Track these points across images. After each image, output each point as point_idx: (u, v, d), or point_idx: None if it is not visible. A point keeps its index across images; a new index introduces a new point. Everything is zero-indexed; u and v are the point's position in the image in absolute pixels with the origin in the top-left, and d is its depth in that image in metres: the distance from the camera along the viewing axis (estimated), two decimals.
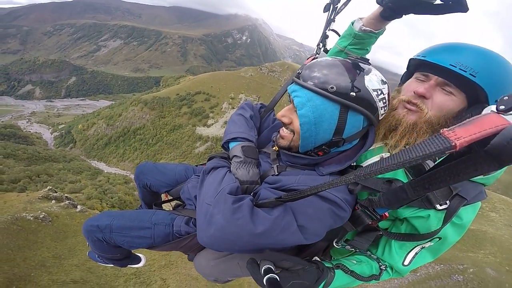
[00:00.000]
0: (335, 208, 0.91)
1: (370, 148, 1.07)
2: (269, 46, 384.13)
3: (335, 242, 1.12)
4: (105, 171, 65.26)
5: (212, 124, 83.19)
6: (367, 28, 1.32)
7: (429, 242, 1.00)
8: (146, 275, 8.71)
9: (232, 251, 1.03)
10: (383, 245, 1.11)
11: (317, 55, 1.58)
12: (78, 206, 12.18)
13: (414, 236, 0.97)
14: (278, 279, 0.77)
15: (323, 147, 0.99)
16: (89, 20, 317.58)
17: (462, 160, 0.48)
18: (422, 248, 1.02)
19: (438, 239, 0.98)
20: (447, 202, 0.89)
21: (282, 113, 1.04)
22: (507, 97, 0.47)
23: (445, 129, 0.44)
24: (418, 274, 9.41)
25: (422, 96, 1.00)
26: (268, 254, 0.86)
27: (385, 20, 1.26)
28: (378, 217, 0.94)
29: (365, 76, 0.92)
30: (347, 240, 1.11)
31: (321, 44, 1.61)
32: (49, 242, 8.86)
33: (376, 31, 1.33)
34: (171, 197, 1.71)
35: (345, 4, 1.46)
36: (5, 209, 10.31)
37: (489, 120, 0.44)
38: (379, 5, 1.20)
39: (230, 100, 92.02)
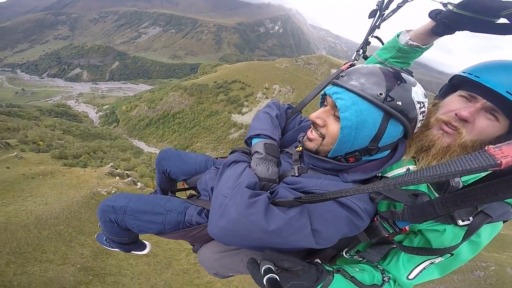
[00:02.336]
0: (354, 216, 0.89)
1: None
2: (303, 36, 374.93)
3: (345, 252, 1.09)
4: (145, 150, 70.33)
5: (247, 112, 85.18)
6: (414, 43, 1.23)
7: (440, 258, 0.95)
8: None
9: (240, 246, 1.01)
10: (391, 256, 1.08)
11: (355, 61, 1.53)
12: (138, 183, 12.95)
13: (428, 250, 0.94)
14: (278, 279, 0.76)
15: (356, 153, 0.97)
16: (131, 8, 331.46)
17: (504, 180, 0.46)
18: (432, 263, 0.98)
19: (450, 255, 0.94)
20: (470, 218, 0.85)
21: (317, 114, 1.01)
22: None
23: (490, 145, 0.42)
24: None
25: (464, 120, 0.92)
26: (268, 254, 0.85)
27: (436, 36, 1.17)
28: (398, 230, 0.91)
29: (412, 88, 0.91)
30: (358, 251, 1.09)
31: (361, 51, 1.57)
32: None
33: (424, 46, 1.24)
34: (187, 186, 1.75)
35: (394, 11, 1.42)
36: (81, 184, 10.84)
37: None
38: (431, 19, 1.11)
39: (265, 90, 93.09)
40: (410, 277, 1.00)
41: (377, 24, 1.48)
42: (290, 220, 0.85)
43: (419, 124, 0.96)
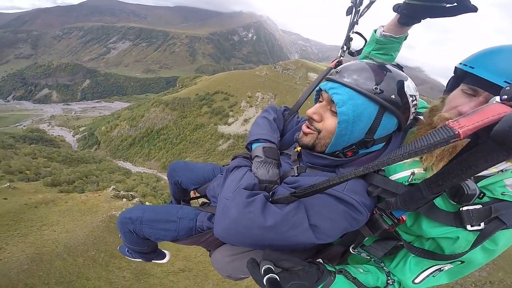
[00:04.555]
0: (351, 210, 0.91)
1: (401, 162, 0.95)
2: (275, 42, 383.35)
3: (352, 248, 1.09)
4: (133, 170, 68.03)
5: (233, 122, 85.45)
6: (387, 34, 1.35)
7: (449, 264, 0.92)
8: None
9: (244, 245, 1.03)
10: (398, 259, 1.06)
11: (341, 58, 1.61)
12: (147, 203, 13.00)
13: (436, 255, 0.91)
14: (278, 279, 0.76)
15: (353, 146, 0.99)
16: (96, 22, 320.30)
17: (471, 152, 0.49)
18: (440, 270, 0.95)
19: (459, 262, 0.90)
20: (482, 224, 0.82)
21: (314, 110, 1.03)
22: (509, 87, 0.50)
23: (450, 120, 0.46)
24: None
25: None
26: (268, 254, 0.86)
27: (404, 26, 1.29)
28: (396, 221, 0.91)
29: (404, 82, 0.95)
30: (364, 246, 1.08)
31: (345, 47, 1.65)
32: None
33: (397, 36, 1.35)
34: (198, 195, 1.83)
35: (368, 6, 1.50)
36: (93, 209, 10.75)
37: (492, 109, 0.46)
38: (395, 12, 1.23)
39: (248, 98, 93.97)
40: (417, 281, 0.99)
41: (355, 20, 1.56)
42: (286, 215, 0.87)
43: (411, 117, 1.00)
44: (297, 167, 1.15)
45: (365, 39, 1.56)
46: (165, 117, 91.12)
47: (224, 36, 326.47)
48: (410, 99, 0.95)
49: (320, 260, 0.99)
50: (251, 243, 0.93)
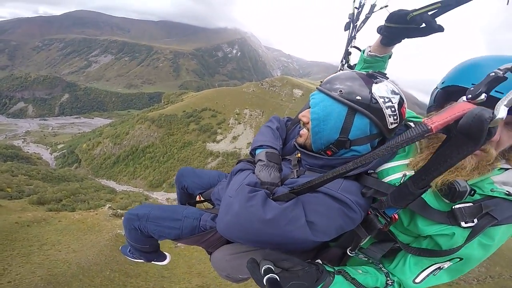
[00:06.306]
0: (346, 209, 0.96)
1: (392, 165, 1.08)
2: (259, 58, 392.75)
3: (349, 250, 1.12)
4: (117, 189, 65.54)
5: (221, 140, 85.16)
6: (373, 53, 1.50)
7: (448, 262, 0.96)
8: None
9: (244, 241, 1.04)
10: (398, 259, 1.09)
11: (340, 71, 1.66)
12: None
13: (433, 252, 0.95)
14: (278, 279, 0.78)
15: (331, 146, 1.09)
16: (78, 35, 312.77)
17: (446, 147, 0.60)
18: (440, 268, 0.97)
19: (458, 259, 0.94)
20: (474, 220, 0.87)
21: (303, 113, 1.20)
22: (473, 88, 0.58)
23: (425, 118, 0.56)
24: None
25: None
26: (268, 254, 0.88)
27: (387, 46, 1.43)
28: (389, 220, 0.95)
29: (373, 85, 1.02)
30: (361, 249, 1.11)
31: (344, 60, 1.77)
32: None
33: (381, 55, 1.49)
34: (203, 199, 1.93)
35: (364, 22, 1.67)
36: (95, 228, 10.72)
37: (459, 106, 0.56)
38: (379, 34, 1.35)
39: (236, 115, 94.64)
40: (417, 280, 1.00)
41: (353, 35, 1.72)
42: (285, 210, 0.93)
43: (391, 119, 1.03)
44: (296, 170, 1.23)
45: (363, 52, 1.64)
46: (151, 134, 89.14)
47: (209, 52, 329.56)
48: (380, 100, 1.01)
49: (319, 261, 1.01)
50: (251, 239, 0.98)
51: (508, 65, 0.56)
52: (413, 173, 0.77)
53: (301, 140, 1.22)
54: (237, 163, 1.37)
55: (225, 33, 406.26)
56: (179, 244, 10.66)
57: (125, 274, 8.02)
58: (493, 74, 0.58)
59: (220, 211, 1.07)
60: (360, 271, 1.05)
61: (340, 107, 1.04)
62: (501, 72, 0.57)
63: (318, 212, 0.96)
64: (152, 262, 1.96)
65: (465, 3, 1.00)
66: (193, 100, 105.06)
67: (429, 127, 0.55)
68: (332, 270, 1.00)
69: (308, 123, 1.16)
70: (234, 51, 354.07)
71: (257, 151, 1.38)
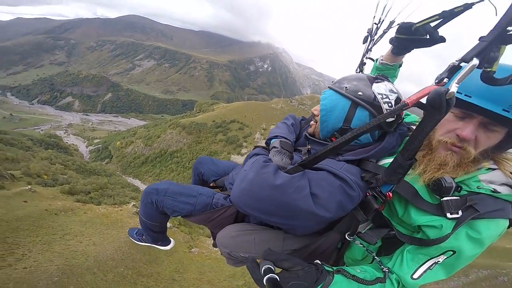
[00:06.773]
0: (346, 186, 1.07)
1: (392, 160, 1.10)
2: (289, 75, 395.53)
3: (348, 235, 1.19)
4: (141, 188, 68.37)
5: (246, 153, 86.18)
6: (384, 62, 1.64)
7: (442, 256, 1.00)
8: None
9: (254, 209, 1.10)
10: (396, 256, 1.13)
11: None
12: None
13: (422, 241, 1.01)
14: (278, 279, 0.79)
15: (335, 133, 1.27)
16: (128, 38, 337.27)
17: (422, 119, 0.79)
18: (436, 263, 1.02)
19: (452, 252, 0.99)
20: (459, 212, 0.95)
21: (315, 108, 1.39)
22: (440, 74, 0.80)
23: (405, 99, 0.76)
24: (470, 277, 10.18)
25: (467, 139, 1.00)
26: (268, 254, 0.91)
27: (397, 56, 1.56)
28: (384, 198, 1.03)
29: (374, 84, 1.20)
30: (359, 233, 1.18)
31: (358, 69, 1.95)
32: (164, 257, 9.39)
33: (391, 64, 1.62)
34: (216, 186, 2.06)
35: (381, 36, 1.82)
36: (117, 223, 10.67)
37: (428, 88, 0.76)
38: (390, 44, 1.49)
39: (262, 130, 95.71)
40: (415, 276, 1.04)
41: (369, 47, 1.90)
42: (292, 178, 1.05)
43: (386, 112, 1.13)
44: (306, 157, 1.32)
45: (375, 61, 1.79)
46: (180, 140, 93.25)
47: (241, 64, 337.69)
48: (378, 96, 1.17)
49: (318, 261, 1.05)
50: (260, 207, 1.06)
51: (462, 57, 0.74)
52: (401, 148, 0.90)
53: (311, 130, 1.43)
54: (253, 149, 1.50)
55: (258, 47, 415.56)
56: (192, 250, 10.87)
57: (138, 272, 8.08)
58: (452, 64, 0.78)
59: (235, 182, 1.16)
60: (359, 271, 1.08)
61: (344, 101, 1.21)
62: (457, 63, 0.77)
63: (321, 186, 1.06)
64: (156, 246, 2.11)
65: (458, 15, 1.08)
66: (223, 111, 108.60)
67: (406, 102, 0.77)
68: (331, 270, 1.03)
69: (318, 115, 1.32)
70: (266, 66, 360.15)
71: (272, 140, 1.52)
